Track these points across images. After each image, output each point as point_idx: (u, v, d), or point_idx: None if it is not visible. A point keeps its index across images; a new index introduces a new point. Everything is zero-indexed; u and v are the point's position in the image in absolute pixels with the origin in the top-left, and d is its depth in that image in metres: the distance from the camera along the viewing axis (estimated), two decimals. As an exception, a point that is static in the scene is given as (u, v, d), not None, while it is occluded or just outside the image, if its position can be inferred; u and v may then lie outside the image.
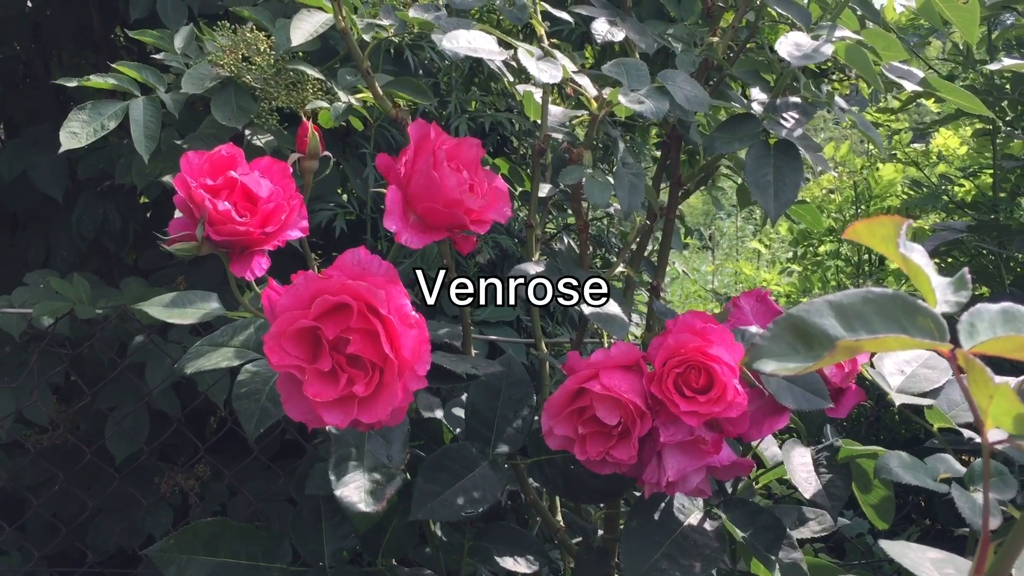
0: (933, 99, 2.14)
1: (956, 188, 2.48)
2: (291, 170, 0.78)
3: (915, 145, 2.78)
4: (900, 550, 0.59)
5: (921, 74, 1.06)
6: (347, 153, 1.60)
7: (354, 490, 0.73)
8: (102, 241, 1.75)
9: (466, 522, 1.06)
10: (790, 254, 3.27)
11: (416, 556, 1.12)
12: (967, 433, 0.78)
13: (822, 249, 2.92)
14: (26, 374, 1.38)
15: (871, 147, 3.05)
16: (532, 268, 0.81)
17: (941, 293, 0.42)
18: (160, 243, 0.75)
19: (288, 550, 0.95)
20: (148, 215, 1.85)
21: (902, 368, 0.85)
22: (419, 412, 0.97)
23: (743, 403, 0.73)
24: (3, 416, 1.37)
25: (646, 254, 1.11)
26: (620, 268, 0.84)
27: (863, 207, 2.91)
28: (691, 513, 0.83)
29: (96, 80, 1.17)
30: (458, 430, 0.99)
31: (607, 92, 0.80)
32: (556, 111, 0.99)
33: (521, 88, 1.02)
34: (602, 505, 1.00)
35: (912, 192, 2.69)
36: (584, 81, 0.75)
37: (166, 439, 1.50)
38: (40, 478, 1.59)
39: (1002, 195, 2.13)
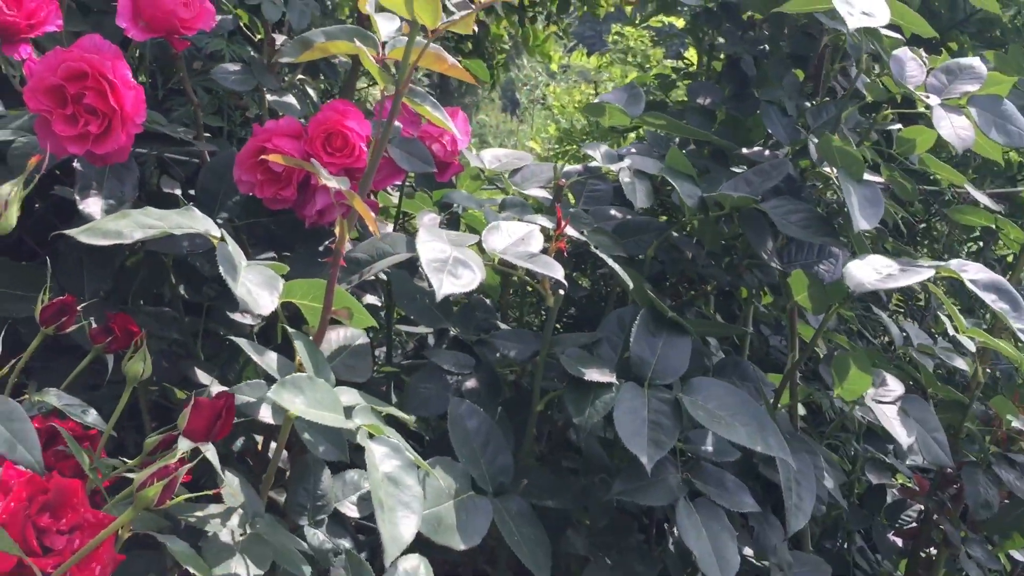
0: None
1: None
2: (50, -16, 1.08)
3: None
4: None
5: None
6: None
7: (95, 207, 1.05)
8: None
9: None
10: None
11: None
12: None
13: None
14: None
15: None
16: (233, 66, 1.14)
17: (384, 31, 0.79)
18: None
19: (55, 286, 1.26)
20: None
21: (499, 158, 1.25)
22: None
23: (365, 158, 1.09)
24: None
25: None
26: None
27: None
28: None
29: None
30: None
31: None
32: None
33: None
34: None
35: None
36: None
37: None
38: None
39: None
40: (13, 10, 1.04)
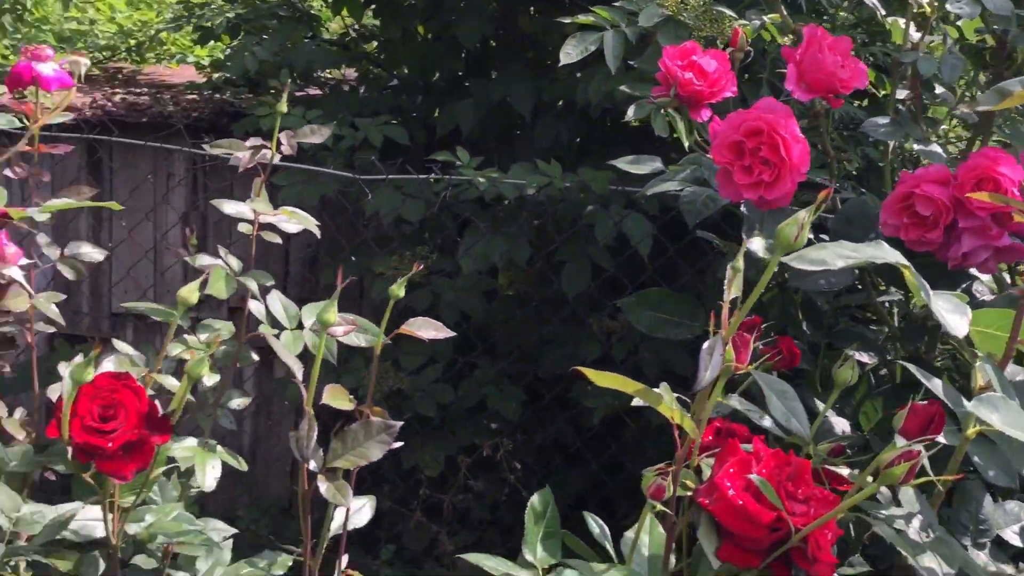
0: None
1: None
2: (728, 56, 1.28)
3: None
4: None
5: None
6: (748, 80, 2.07)
7: (758, 245, 1.21)
8: (555, 151, 2.38)
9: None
10: None
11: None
12: None
13: None
14: (516, 227, 2.03)
15: None
16: (882, 119, 1.24)
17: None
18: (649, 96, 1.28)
19: (703, 316, 1.46)
20: (585, 138, 2.46)
21: None
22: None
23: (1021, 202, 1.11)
24: (501, 252, 2.02)
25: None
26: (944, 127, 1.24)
27: None
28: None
29: (582, 18, 1.75)
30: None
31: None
32: (914, 35, 1.39)
33: (890, 19, 1.44)
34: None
35: None
36: (923, -4, 1.17)
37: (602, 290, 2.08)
38: (504, 316, 2.26)
39: None
40: (701, 81, 1.25)
